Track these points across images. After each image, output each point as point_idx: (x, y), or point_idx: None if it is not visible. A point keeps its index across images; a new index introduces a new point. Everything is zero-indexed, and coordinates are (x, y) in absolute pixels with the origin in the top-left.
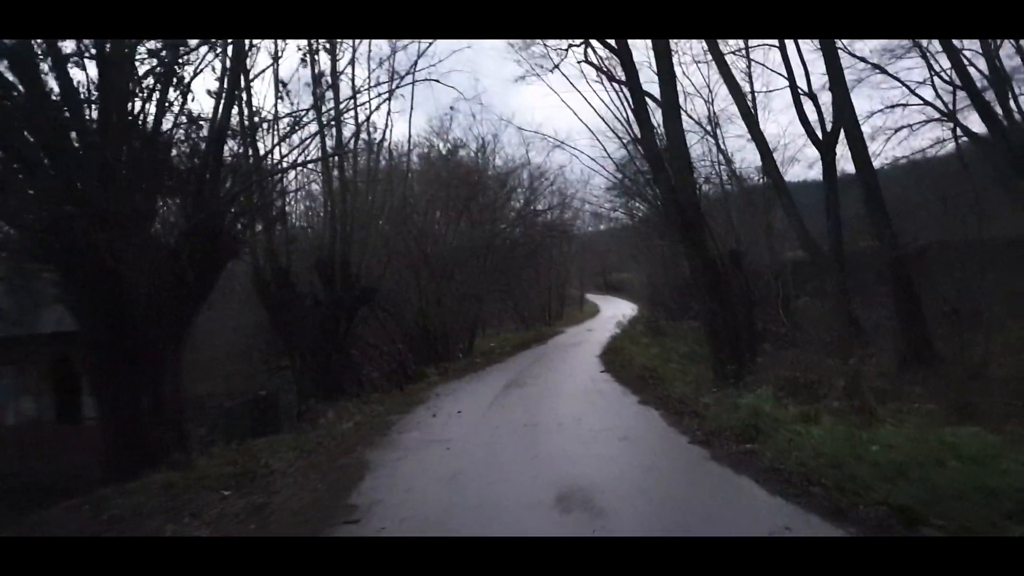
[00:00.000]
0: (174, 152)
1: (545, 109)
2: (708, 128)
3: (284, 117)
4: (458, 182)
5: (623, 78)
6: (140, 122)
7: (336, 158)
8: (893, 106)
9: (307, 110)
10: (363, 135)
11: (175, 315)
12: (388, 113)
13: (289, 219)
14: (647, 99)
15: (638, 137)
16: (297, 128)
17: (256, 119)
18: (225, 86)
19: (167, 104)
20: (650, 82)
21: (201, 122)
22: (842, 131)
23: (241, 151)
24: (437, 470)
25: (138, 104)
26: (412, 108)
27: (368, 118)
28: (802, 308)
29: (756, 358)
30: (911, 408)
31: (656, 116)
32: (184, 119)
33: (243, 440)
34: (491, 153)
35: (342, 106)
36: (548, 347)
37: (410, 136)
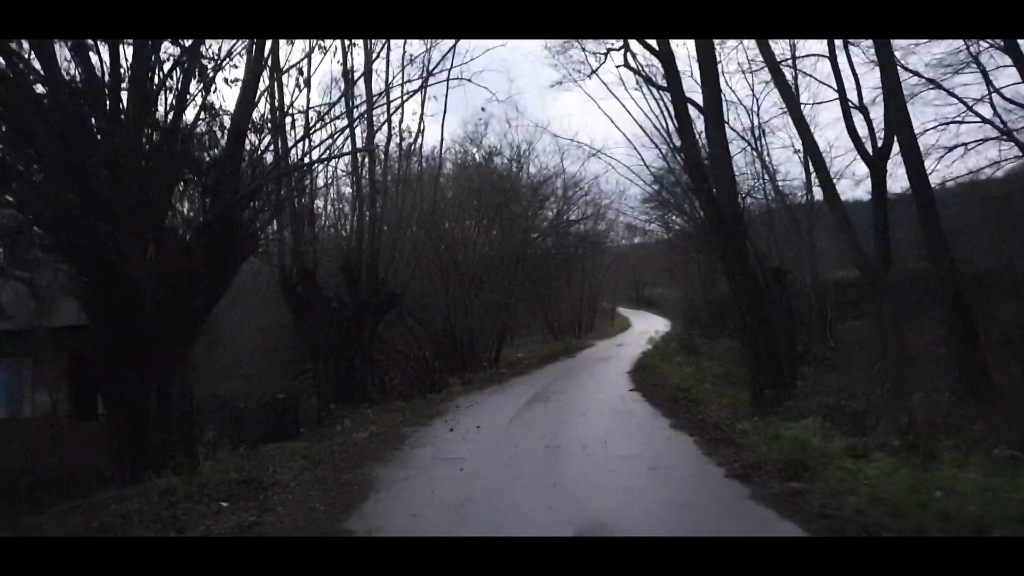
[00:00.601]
0: (194, 143)
1: (581, 116)
2: (751, 140)
3: (310, 110)
4: (490, 188)
5: (663, 84)
6: (159, 112)
7: (367, 160)
8: (948, 122)
9: (333, 104)
10: (395, 137)
11: (185, 313)
12: (421, 117)
13: (318, 220)
14: (689, 106)
15: (678, 146)
16: (324, 123)
17: (280, 113)
18: (248, 78)
19: (188, 95)
20: (691, 91)
21: (222, 114)
22: (895, 147)
23: (264, 145)
24: (446, 495)
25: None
26: (445, 111)
27: (400, 119)
28: (846, 331)
29: (796, 382)
30: (971, 447)
31: (698, 125)
32: (204, 111)
33: (255, 445)
34: (525, 161)
35: (373, 101)
36: (577, 360)
37: (442, 140)
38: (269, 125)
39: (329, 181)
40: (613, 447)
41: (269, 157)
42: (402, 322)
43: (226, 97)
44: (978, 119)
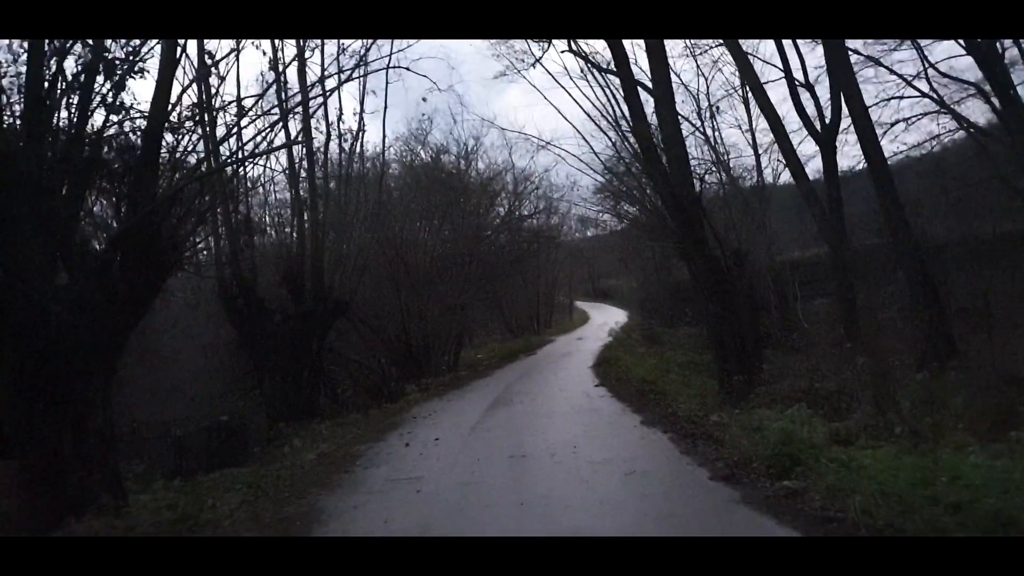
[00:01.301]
0: (105, 149)
1: (528, 109)
2: (701, 121)
3: (235, 104)
4: (439, 186)
5: (610, 68)
6: (62, 117)
7: (306, 161)
8: (890, 99)
9: (260, 96)
10: (335, 136)
11: (102, 337)
12: (360, 112)
13: (257, 227)
14: (639, 89)
15: (630, 127)
16: (252, 119)
17: (203, 110)
18: (164, 75)
19: (93, 96)
20: (639, 76)
21: (135, 114)
22: (846, 124)
23: (185, 146)
24: (401, 523)
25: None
26: (386, 104)
27: (339, 115)
28: (806, 311)
29: (763, 367)
30: (955, 423)
31: (647, 109)
32: (115, 112)
33: (195, 474)
34: (473, 157)
35: (308, 92)
36: (538, 358)
37: (384, 135)
38: (188, 124)
39: (264, 183)
40: (584, 452)
41: (193, 160)
42: (355, 330)
43: (140, 96)
44: (917, 94)
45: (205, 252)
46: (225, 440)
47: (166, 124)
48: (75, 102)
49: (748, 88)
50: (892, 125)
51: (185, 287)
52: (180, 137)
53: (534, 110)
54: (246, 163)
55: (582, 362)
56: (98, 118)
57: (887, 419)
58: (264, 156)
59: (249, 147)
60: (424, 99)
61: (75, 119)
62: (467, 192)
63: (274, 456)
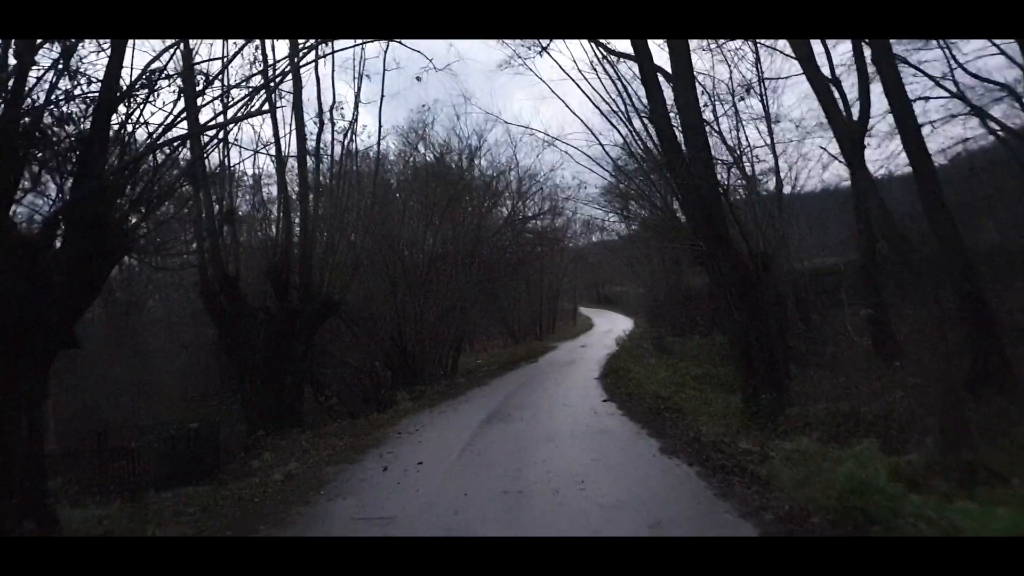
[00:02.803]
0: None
1: (532, 104)
2: (715, 118)
3: (203, 64)
4: (439, 182)
5: (625, 52)
6: None
7: (296, 151)
8: (915, 99)
9: (231, 58)
10: (326, 119)
11: (30, 338)
12: (356, 97)
13: (242, 222)
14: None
15: (645, 118)
16: (229, 84)
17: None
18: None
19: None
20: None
21: (82, 80)
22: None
23: (139, 116)
24: None
25: None
26: (383, 90)
27: (333, 101)
28: (829, 322)
29: (791, 384)
30: None
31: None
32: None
33: (148, 490)
34: (476, 154)
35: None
36: (540, 366)
37: (380, 124)
38: (145, 91)
39: (251, 176)
40: (594, 489)
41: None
42: (349, 332)
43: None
44: (945, 94)
45: (185, 245)
46: (195, 450)
47: (118, 92)
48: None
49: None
50: (920, 127)
51: (169, 283)
52: (133, 107)
53: (540, 107)
54: (219, 131)
55: (588, 372)
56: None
57: (960, 456)
58: (234, 125)
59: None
60: (419, 78)
61: (11, 84)
62: (470, 190)
63: (243, 470)
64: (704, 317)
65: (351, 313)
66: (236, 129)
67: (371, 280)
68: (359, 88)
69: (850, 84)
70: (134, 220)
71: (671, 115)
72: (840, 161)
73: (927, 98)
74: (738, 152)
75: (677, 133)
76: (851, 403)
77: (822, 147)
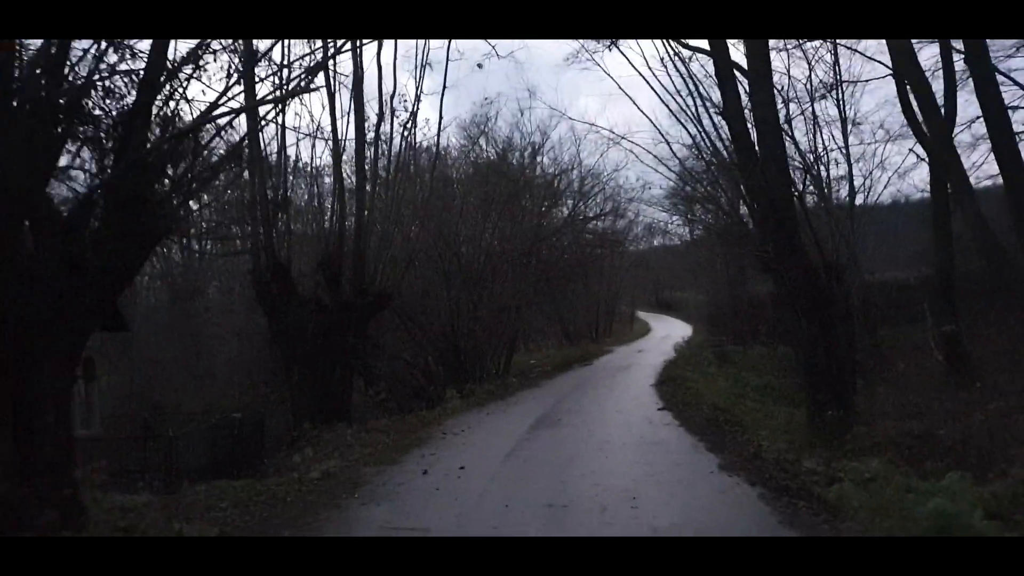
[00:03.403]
0: (91, 93)
1: (597, 98)
2: (788, 123)
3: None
4: (501, 180)
5: (698, 46)
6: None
7: (353, 141)
8: (1009, 107)
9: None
10: (386, 108)
11: (62, 320)
12: (418, 87)
13: (298, 212)
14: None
15: (716, 116)
16: (278, 65)
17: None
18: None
19: None
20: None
21: (127, 54)
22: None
23: (183, 93)
24: None
25: None
26: (446, 81)
27: (394, 92)
28: (892, 337)
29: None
30: None
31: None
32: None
33: (182, 482)
34: (539, 151)
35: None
36: (594, 369)
37: (441, 116)
38: (192, 66)
39: (310, 167)
40: (646, 509)
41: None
42: (403, 326)
43: None
44: None
45: (240, 230)
46: (238, 440)
47: (165, 70)
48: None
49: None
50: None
51: (229, 270)
52: (183, 84)
53: (607, 105)
54: (276, 105)
55: (643, 378)
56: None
57: None
58: (290, 100)
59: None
60: (480, 65)
61: (55, 52)
62: (530, 187)
63: (285, 464)
64: (767, 327)
65: (405, 307)
66: (294, 116)
67: (427, 275)
68: (421, 78)
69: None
70: (177, 201)
71: (745, 112)
72: (924, 160)
73: (1016, 107)
74: (813, 156)
75: (751, 131)
76: (924, 424)
77: (911, 149)
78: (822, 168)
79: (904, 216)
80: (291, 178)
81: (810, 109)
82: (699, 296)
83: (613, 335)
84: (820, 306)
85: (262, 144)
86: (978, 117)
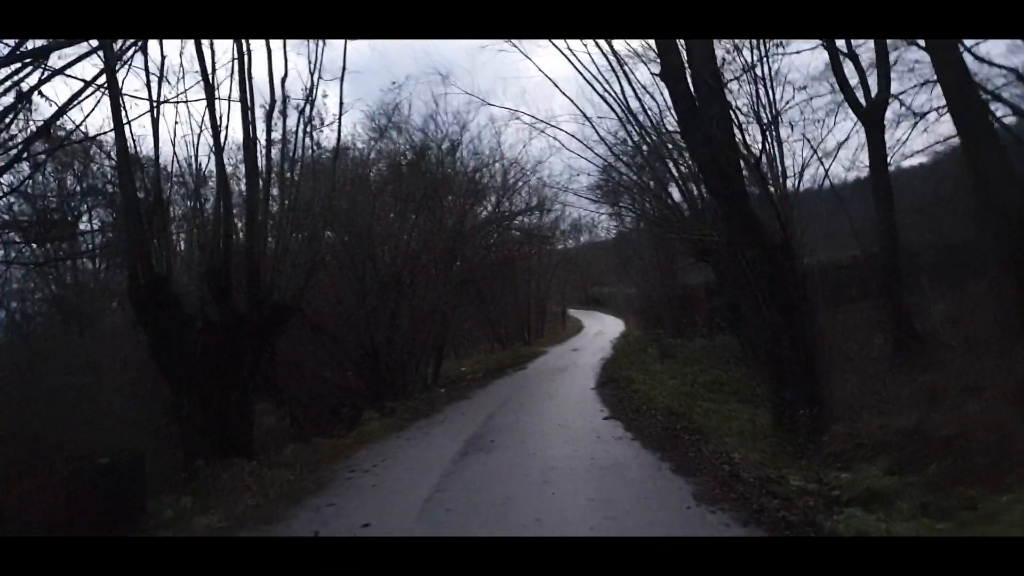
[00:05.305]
0: None
1: (515, 83)
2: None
3: None
4: (412, 172)
5: None
6: None
7: (243, 131)
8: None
9: None
10: (277, 93)
11: None
12: (313, 76)
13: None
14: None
15: (660, 72)
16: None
17: None
18: None
19: None
20: None
21: None
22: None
23: None
24: None
25: None
26: (345, 62)
27: (285, 75)
28: (832, 321)
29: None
30: None
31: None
32: None
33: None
34: (458, 143)
35: None
36: (528, 373)
37: (341, 99)
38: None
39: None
40: None
41: None
42: (317, 339)
43: None
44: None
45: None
46: (105, 492)
47: None
48: None
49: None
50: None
51: (105, 288)
52: None
53: (528, 90)
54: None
55: (583, 381)
56: None
57: None
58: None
59: None
60: None
61: None
62: (451, 183)
63: (158, 520)
64: (703, 317)
65: (318, 318)
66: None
67: (340, 282)
68: (319, 58)
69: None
70: None
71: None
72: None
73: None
74: (772, 112)
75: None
76: (912, 419)
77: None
78: (769, 138)
79: (829, 198)
80: (170, 182)
81: (755, 71)
82: (628, 290)
83: (546, 335)
84: (782, 289)
85: (129, 138)
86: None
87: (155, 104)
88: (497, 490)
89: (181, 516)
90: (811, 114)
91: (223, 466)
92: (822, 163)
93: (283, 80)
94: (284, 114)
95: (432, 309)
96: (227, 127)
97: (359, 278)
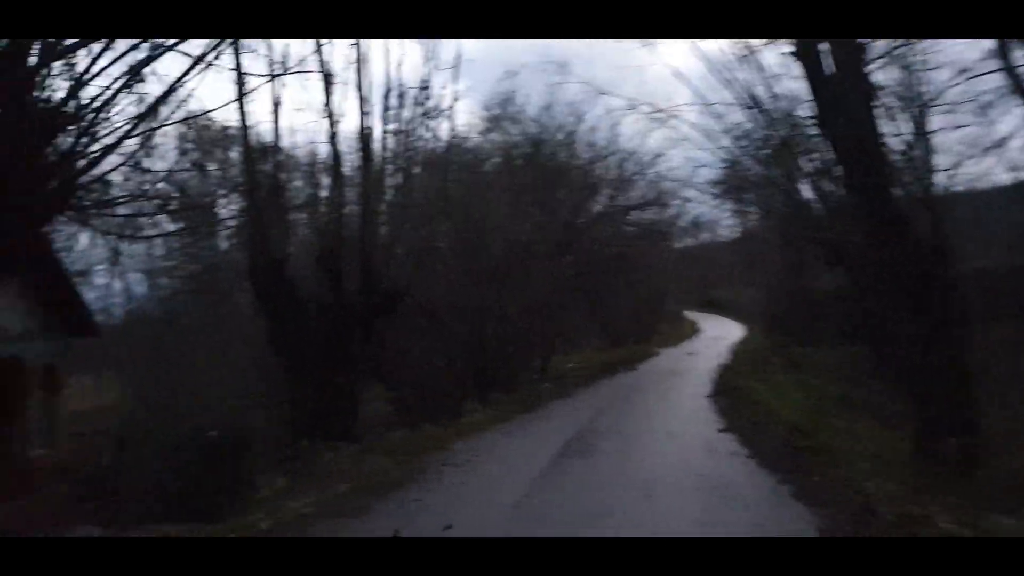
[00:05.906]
0: None
1: (630, 69)
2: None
3: None
4: (527, 163)
5: None
6: None
7: (360, 118)
8: None
9: None
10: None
11: None
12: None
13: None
14: None
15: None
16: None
17: None
18: None
19: None
20: None
21: None
22: None
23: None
24: None
25: None
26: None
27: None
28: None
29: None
30: None
31: None
32: None
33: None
34: (573, 136)
35: None
36: (638, 375)
37: (455, 86)
38: None
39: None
40: None
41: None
42: (430, 327)
43: None
44: None
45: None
46: (210, 467)
47: None
48: None
49: None
50: None
51: (235, 269)
52: None
53: (641, 76)
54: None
55: (696, 387)
56: None
57: None
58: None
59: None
60: None
61: None
62: (565, 173)
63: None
64: (831, 326)
65: (431, 306)
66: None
67: (452, 272)
68: (434, 48)
69: None
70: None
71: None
72: None
73: None
74: (923, 99)
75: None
76: None
77: None
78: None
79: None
80: (289, 170)
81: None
82: (751, 293)
83: (659, 336)
84: (932, 296)
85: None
86: None
87: (276, 103)
88: (591, 500)
89: (276, 496)
90: (970, 103)
91: (326, 447)
92: (983, 158)
93: (399, 70)
94: (400, 104)
95: (542, 302)
96: (343, 117)
97: (470, 269)
